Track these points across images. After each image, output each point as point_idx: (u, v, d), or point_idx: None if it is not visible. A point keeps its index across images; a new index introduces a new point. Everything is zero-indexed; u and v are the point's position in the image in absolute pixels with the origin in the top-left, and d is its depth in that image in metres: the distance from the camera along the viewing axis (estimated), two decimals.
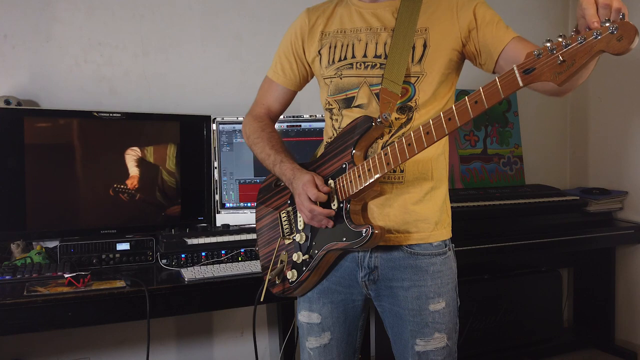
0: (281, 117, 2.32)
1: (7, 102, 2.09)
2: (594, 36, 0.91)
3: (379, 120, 1.28)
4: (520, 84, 1.01)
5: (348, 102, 1.38)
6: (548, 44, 0.97)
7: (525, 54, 1.02)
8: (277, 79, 1.54)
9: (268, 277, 1.47)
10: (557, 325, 3.03)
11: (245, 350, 2.59)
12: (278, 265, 1.45)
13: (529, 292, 2.91)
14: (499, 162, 3.04)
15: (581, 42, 0.92)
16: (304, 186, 1.32)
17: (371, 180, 1.25)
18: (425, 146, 1.17)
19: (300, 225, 1.42)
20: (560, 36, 0.96)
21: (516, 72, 1.01)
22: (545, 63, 0.97)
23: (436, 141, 1.16)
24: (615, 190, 3.03)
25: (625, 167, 3.06)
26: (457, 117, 1.10)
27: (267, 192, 1.57)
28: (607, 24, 0.90)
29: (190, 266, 2.01)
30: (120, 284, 1.78)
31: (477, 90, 1.07)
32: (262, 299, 1.49)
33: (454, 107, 1.11)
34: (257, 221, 1.60)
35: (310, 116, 2.36)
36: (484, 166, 2.99)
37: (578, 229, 2.81)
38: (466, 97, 1.08)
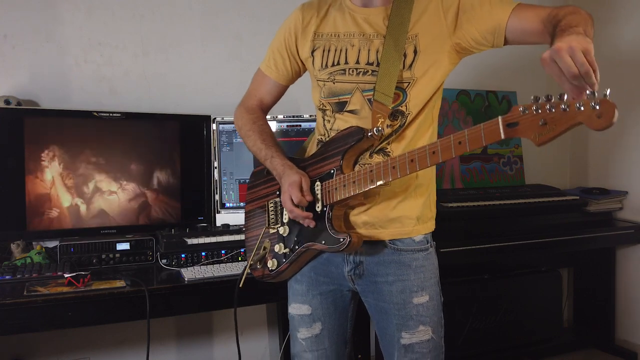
0: (281, 116, 2.37)
1: (7, 102, 2.09)
2: (576, 107, 0.93)
3: (369, 134, 1.32)
4: (502, 136, 1.04)
5: (341, 106, 1.41)
6: (533, 104, 0.99)
7: (530, 22, 1.10)
8: (269, 73, 1.56)
9: (250, 261, 1.52)
10: (557, 325, 3.03)
11: (245, 350, 2.58)
12: (261, 251, 1.51)
13: (529, 292, 2.91)
14: (499, 161, 3.04)
15: (564, 110, 0.94)
16: (289, 186, 1.36)
17: (354, 194, 1.30)
18: (408, 173, 1.21)
19: (285, 219, 1.46)
20: (547, 97, 0.98)
21: (500, 124, 1.03)
22: (529, 121, 0.99)
23: (419, 170, 1.20)
24: (615, 190, 3.03)
25: (625, 167, 3.06)
26: (440, 153, 1.14)
27: (259, 177, 1.61)
28: (590, 99, 0.91)
29: (190, 266, 2.01)
30: (120, 283, 1.78)
31: (462, 131, 1.10)
32: (241, 285, 1.53)
33: (438, 143, 1.15)
34: (246, 203, 1.64)
35: (310, 116, 2.36)
36: (483, 166, 2.99)
37: (578, 229, 2.81)
38: (451, 136, 1.12)
